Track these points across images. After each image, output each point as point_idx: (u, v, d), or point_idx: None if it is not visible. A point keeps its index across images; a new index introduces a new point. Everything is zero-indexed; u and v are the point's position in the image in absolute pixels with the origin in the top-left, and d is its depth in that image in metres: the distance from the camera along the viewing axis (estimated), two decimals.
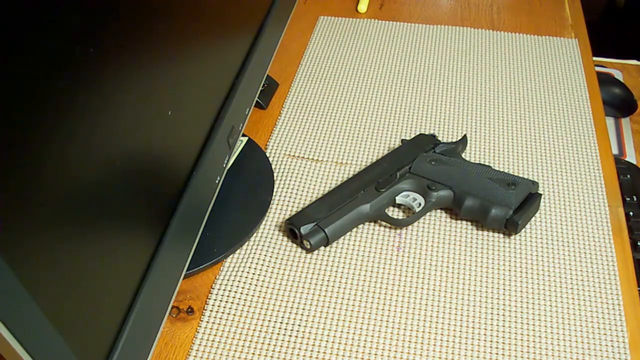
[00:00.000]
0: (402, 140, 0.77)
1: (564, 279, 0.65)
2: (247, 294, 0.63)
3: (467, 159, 0.77)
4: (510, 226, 0.67)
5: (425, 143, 0.75)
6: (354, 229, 0.69)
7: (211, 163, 0.61)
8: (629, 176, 1.01)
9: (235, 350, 0.59)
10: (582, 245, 0.68)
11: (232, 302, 0.63)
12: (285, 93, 0.87)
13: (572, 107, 0.85)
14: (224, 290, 0.64)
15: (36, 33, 0.36)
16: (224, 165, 0.65)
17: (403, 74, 0.90)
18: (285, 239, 0.68)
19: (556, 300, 0.64)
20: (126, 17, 0.45)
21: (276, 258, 0.67)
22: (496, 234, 0.69)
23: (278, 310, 0.62)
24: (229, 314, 0.62)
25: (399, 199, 0.70)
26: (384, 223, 0.70)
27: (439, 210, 0.71)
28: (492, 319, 0.62)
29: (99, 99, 0.42)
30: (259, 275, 0.65)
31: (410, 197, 0.70)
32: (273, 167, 0.76)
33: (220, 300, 0.63)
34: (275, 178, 0.74)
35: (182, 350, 0.60)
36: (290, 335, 0.61)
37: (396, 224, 0.68)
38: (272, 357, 0.59)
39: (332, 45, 0.95)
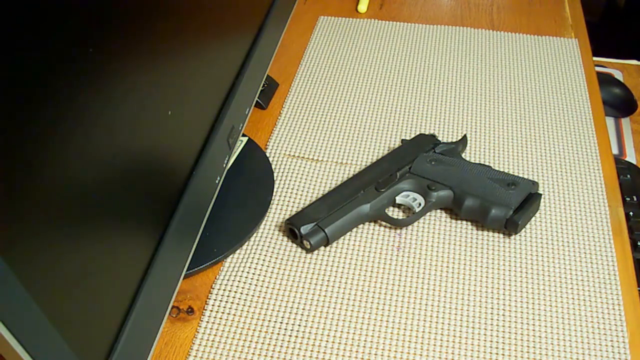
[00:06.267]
0: (402, 140, 0.77)
1: (564, 279, 0.65)
2: (247, 294, 0.63)
3: (467, 159, 0.77)
4: (510, 226, 0.67)
5: (425, 143, 0.75)
6: (354, 229, 0.69)
7: (211, 163, 0.61)
8: (629, 176, 1.01)
9: (235, 350, 0.59)
10: (582, 245, 0.68)
11: (232, 302, 0.63)
12: (285, 93, 0.87)
13: (572, 107, 0.85)
14: (224, 290, 0.64)
15: (36, 33, 0.36)
16: (224, 165, 0.65)
17: (403, 74, 0.90)
18: (285, 239, 0.68)
19: (556, 300, 0.64)
20: (126, 17, 0.45)
21: (276, 258, 0.67)
22: (496, 234, 0.69)
23: (278, 310, 0.62)
24: (229, 314, 0.62)
25: (399, 199, 0.70)
26: (384, 223, 0.70)
27: (439, 210, 0.71)
28: (492, 319, 0.62)
29: (98, 99, 0.42)
30: (259, 275, 0.65)
31: (410, 197, 0.70)
32: (273, 167, 0.76)
33: (220, 300, 0.63)
34: (275, 178, 0.74)
35: (182, 350, 0.60)
36: (290, 335, 0.61)
37: (396, 224, 0.68)
38: (272, 357, 0.59)
39: (332, 45, 0.95)
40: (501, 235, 0.69)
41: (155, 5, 0.49)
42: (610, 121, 1.16)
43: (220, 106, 0.64)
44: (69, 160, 0.40)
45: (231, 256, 0.67)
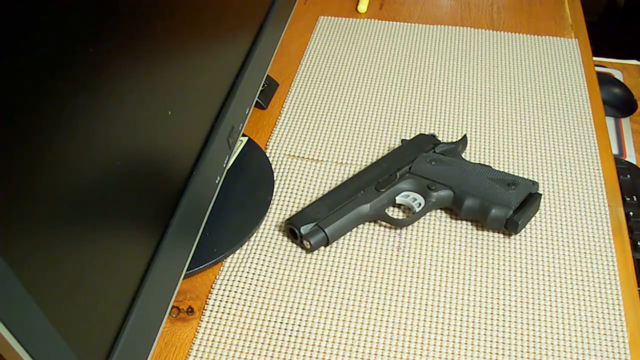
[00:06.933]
0: (402, 140, 0.77)
1: (564, 279, 0.65)
2: (247, 294, 0.63)
3: (467, 159, 0.77)
4: (510, 226, 0.67)
5: (425, 143, 0.75)
6: (354, 229, 0.69)
7: (211, 163, 0.61)
8: (629, 176, 1.01)
9: (235, 350, 0.59)
10: (582, 245, 0.68)
11: (232, 302, 0.63)
12: (285, 93, 0.87)
13: (572, 107, 0.85)
14: (224, 290, 0.64)
15: (36, 33, 0.36)
16: (224, 165, 0.65)
17: (403, 74, 0.90)
18: (285, 239, 0.68)
19: (556, 300, 0.64)
20: (126, 17, 0.45)
21: (276, 258, 0.67)
22: (496, 234, 0.69)
23: (278, 310, 0.62)
24: (229, 314, 0.62)
25: (399, 199, 0.70)
26: (384, 223, 0.70)
27: (439, 210, 0.71)
28: (492, 319, 0.62)
29: (99, 99, 0.42)
30: (259, 275, 0.65)
31: (410, 197, 0.70)
32: (273, 167, 0.76)
33: (220, 300, 0.63)
34: (275, 178, 0.74)
35: (182, 350, 0.60)
36: (290, 335, 0.61)
37: (396, 224, 0.68)
38: (272, 357, 0.59)
39: (332, 45, 0.95)
40: (501, 235, 0.69)
41: (156, 5, 0.49)
42: (610, 121, 1.16)
43: (220, 106, 0.64)
44: (69, 160, 0.40)
45: (231, 256, 0.67)
